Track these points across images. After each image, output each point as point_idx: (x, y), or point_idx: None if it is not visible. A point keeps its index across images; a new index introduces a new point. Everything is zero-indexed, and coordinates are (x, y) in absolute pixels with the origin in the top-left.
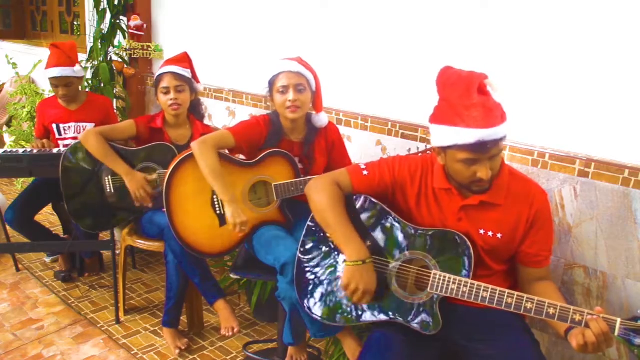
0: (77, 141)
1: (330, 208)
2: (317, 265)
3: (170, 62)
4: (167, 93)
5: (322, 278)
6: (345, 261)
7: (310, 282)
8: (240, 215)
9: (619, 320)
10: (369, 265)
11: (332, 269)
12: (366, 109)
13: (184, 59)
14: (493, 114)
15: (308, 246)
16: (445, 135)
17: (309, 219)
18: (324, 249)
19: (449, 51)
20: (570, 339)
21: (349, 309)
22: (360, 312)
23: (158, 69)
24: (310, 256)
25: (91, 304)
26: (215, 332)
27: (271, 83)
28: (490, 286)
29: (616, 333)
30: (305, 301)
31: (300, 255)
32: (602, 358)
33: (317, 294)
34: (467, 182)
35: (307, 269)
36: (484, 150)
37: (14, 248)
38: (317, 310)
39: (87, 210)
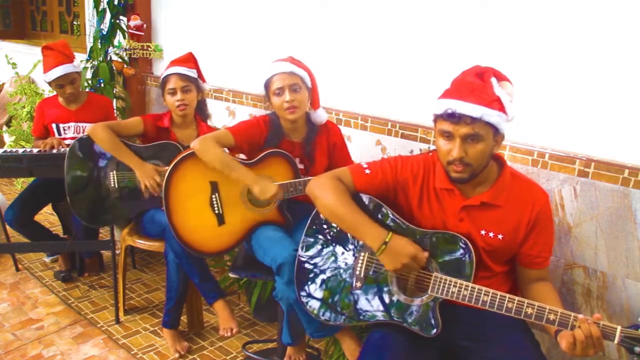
0: (84, 134)
1: (337, 202)
2: (318, 256)
3: (175, 62)
4: (173, 94)
5: (324, 267)
6: (374, 254)
7: (312, 272)
8: (270, 189)
9: (619, 327)
10: (394, 239)
11: (333, 258)
12: (366, 109)
13: (189, 59)
14: (475, 93)
15: (313, 236)
16: (433, 108)
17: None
18: (326, 238)
19: (449, 51)
20: (560, 339)
21: (347, 300)
22: (356, 297)
23: (164, 70)
24: (315, 248)
25: (91, 304)
26: (215, 332)
27: (267, 86)
28: (491, 290)
29: (616, 341)
30: (310, 285)
31: (304, 245)
32: (602, 358)
33: (318, 283)
34: (445, 162)
35: (311, 261)
36: (454, 121)
37: (14, 248)
38: (318, 294)
39: (89, 203)
